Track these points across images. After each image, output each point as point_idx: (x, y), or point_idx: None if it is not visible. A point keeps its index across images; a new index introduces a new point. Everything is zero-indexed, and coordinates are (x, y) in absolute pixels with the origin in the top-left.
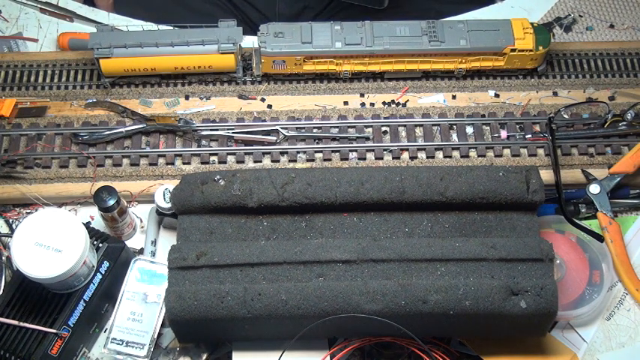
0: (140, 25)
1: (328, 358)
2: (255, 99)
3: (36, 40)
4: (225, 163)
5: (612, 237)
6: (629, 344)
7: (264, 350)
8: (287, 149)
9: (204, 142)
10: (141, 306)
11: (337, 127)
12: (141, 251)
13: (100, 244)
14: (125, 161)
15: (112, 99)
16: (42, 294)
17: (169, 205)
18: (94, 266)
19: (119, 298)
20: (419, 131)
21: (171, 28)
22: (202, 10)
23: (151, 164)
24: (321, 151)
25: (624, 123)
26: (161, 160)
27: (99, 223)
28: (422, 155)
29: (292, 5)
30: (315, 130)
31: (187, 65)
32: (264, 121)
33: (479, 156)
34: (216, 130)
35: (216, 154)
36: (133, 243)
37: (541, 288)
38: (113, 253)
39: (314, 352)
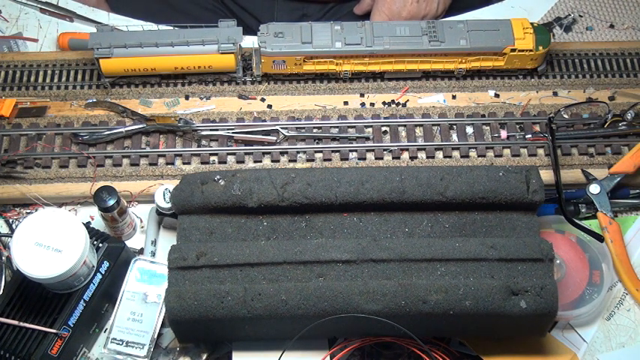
0: (140, 25)
1: (328, 358)
2: (255, 99)
3: (36, 40)
4: (225, 163)
5: (612, 237)
6: (629, 344)
7: (264, 350)
8: (287, 149)
9: (204, 142)
10: (141, 306)
11: (337, 127)
12: (141, 251)
13: (100, 244)
14: (125, 161)
15: (112, 99)
16: (42, 294)
17: (169, 205)
18: (94, 266)
19: (119, 298)
20: (419, 131)
21: (172, 28)
22: (200, 18)
23: (151, 164)
24: (321, 151)
25: (624, 123)
26: (161, 160)
27: (99, 223)
28: (422, 155)
29: (290, 13)
30: (315, 130)
31: (187, 65)
32: (264, 121)
33: (479, 156)
34: (216, 130)
35: (216, 154)
36: (133, 243)
37: (541, 288)
38: (113, 253)
39: (314, 352)
